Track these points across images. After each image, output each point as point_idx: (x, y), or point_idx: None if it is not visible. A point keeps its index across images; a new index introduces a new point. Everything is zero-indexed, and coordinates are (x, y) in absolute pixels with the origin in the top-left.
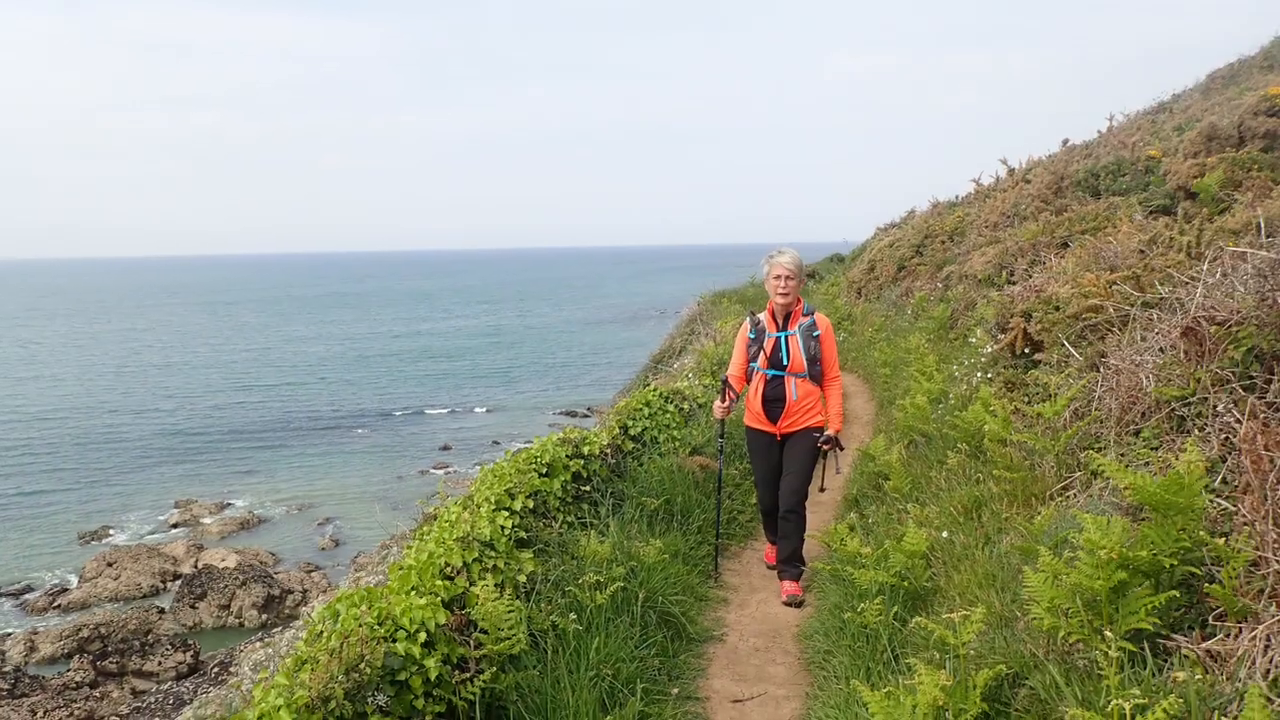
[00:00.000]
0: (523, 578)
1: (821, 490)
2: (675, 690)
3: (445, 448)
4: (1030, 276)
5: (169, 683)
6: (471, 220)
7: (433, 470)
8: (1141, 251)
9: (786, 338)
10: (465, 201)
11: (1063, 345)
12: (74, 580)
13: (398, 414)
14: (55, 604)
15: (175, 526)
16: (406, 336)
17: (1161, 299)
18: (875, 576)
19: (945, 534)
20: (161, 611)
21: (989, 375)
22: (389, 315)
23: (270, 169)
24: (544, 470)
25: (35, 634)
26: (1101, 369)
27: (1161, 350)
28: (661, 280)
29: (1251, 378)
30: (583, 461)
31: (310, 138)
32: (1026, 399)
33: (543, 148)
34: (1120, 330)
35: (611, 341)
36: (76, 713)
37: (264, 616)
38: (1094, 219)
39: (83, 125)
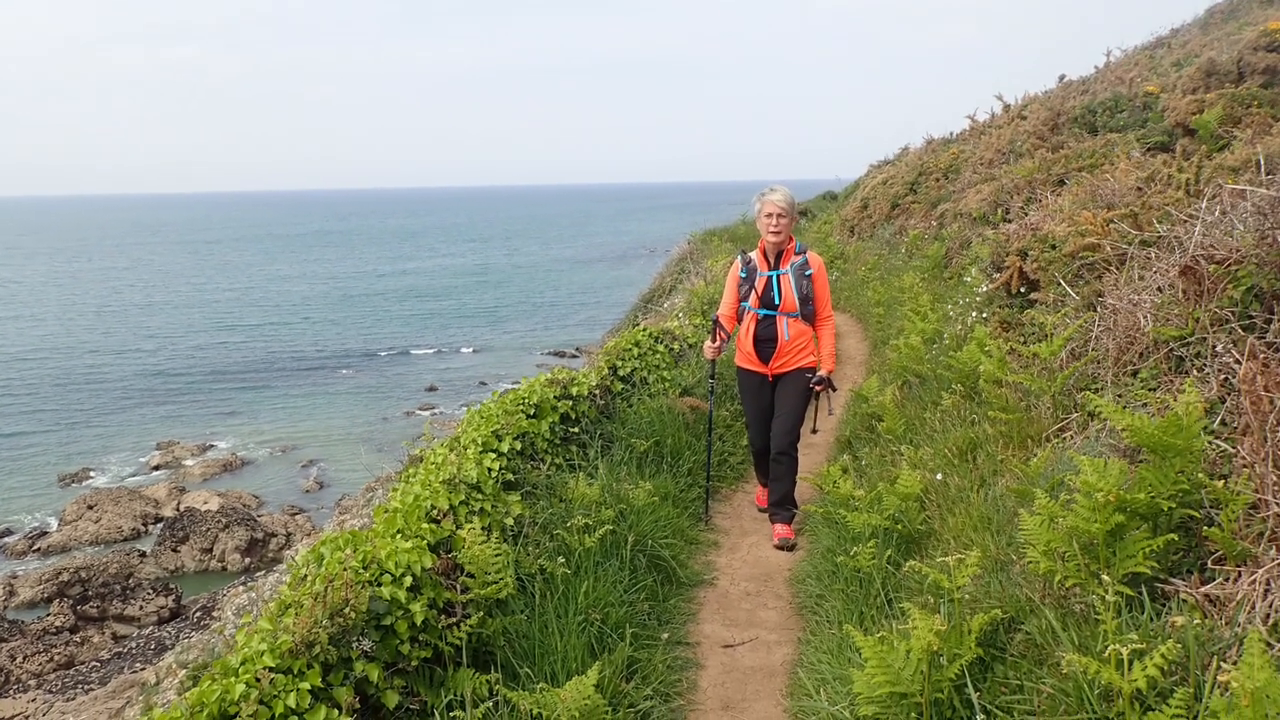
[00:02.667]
0: (510, 521)
1: (814, 432)
2: (665, 635)
3: (431, 389)
4: (1026, 214)
5: (150, 627)
6: (458, 157)
7: (419, 411)
8: (1139, 189)
9: (778, 277)
10: (451, 138)
11: (1059, 284)
12: (54, 523)
13: (383, 354)
14: (35, 547)
15: (157, 468)
16: (392, 275)
17: (1160, 237)
18: (868, 519)
19: (939, 476)
20: (143, 555)
21: (984, 315)
22: (374, 254)
23: (252, 104)
24: (531, 411)
25: (14, 578)
26: (1099, 308)
27: (1160, 289)
28: (651, 218)
29: (1251, 317)
30: (571, 403)
31: (292, 71)
32: (1022, 339)
33: (531, 82)
34: (1118, 269)
35: (600, 281)
36: (56, 658)
37: (247, 560)
38: (1091, 156)
39: (58, 60)
